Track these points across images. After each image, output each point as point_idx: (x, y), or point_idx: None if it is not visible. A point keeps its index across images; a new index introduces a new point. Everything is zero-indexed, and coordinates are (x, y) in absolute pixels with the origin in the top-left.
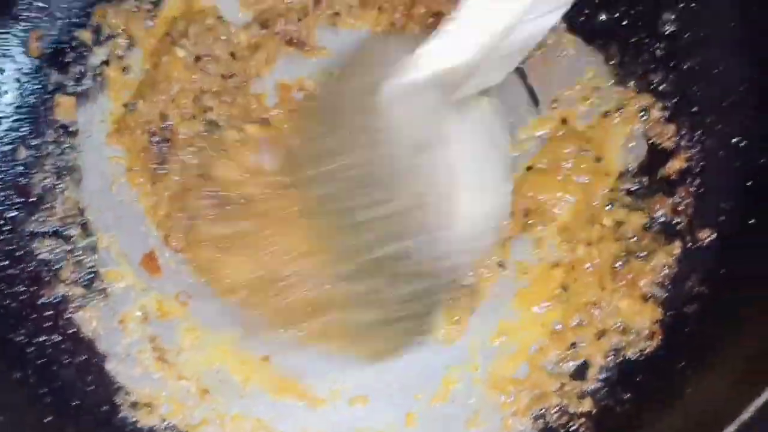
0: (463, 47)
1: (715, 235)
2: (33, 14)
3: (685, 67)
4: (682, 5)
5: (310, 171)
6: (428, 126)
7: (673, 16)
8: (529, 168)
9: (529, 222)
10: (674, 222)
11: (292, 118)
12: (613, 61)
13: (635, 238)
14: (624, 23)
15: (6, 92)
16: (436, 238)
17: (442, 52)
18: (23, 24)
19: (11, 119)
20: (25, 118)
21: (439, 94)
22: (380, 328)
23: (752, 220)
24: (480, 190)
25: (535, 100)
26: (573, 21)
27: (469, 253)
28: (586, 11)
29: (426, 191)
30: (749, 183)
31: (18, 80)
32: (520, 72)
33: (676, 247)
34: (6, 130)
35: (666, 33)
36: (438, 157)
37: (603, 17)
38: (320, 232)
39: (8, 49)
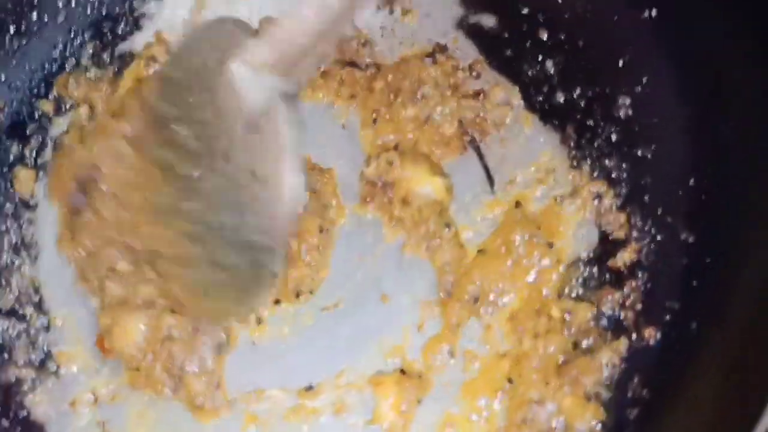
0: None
1: (659, 335)
2: None
3: (638, 154)
4: (638, 89)
5: (155, 135)
6: (263, 108)
7: (628, 101)
8: (480, 251)
9: (479, 308)
10: (621, 317)
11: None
12: (568, 143)
13: (582, 332)
14: (581, 104)
15: None
16: (262, 213)
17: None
18: None
19: None
20: None
21: (275, 82)
22: (216, 290)
23: (694, 324)
24: (298, 176)
25: (490, 181)
26: (531, 99)
27: (282, 234)
28: (545, 90)
29: (257, 169)
30: (694, 283)
31: None
32: (477, 151)
33: (622, 344)
34: None
35: (621, 117)
36: (269, 140)
37: (561, 98)
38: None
39: None
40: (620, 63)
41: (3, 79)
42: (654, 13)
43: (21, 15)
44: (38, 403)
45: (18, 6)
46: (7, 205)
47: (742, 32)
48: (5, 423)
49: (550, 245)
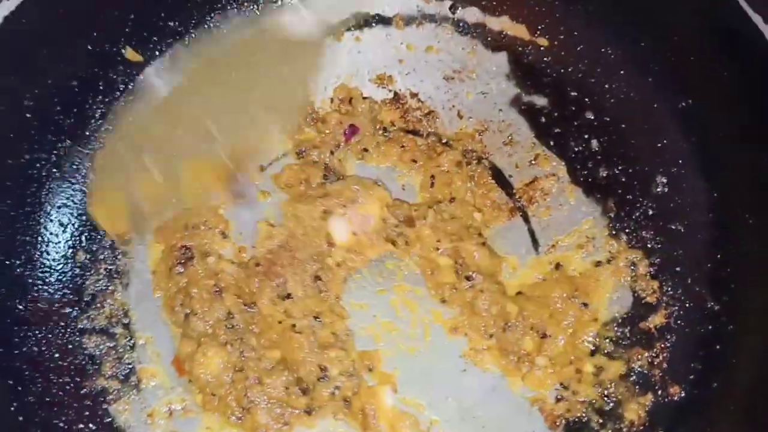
0: None
1: (684, 393)
2: (101, 134)
3: (672, 227)
4: (673, 169)
5: None
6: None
7: (665, 180)
8: (518, 293)
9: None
10: (649, 374)
11: None
12: (609, 214)
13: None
14: (622, 180)
15: (74, 202)
16: None
17: None
18: (92, 143)
19: (74, 225)
20: (86, 226)
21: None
22: None
23: (715, 384)
24: None
25: (535, 244)
26: (576, 173)
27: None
28: (589, 165)
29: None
30: (717, 347)
31: (83, 191)
32: (524, 216)
33: (648, 399)
34: (69, 236)
35: (658, 194)
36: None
37: (603, 173)
38: None
39: (78, 165)
40: (658, 144)
41: (111, 130)
42: (688, 102)
43: (130, 76)
44: (121, 412)
45: (127, 67)
46: (105, 238)
47: (760, 126)
48: (92, 426)
49: (586, 305)
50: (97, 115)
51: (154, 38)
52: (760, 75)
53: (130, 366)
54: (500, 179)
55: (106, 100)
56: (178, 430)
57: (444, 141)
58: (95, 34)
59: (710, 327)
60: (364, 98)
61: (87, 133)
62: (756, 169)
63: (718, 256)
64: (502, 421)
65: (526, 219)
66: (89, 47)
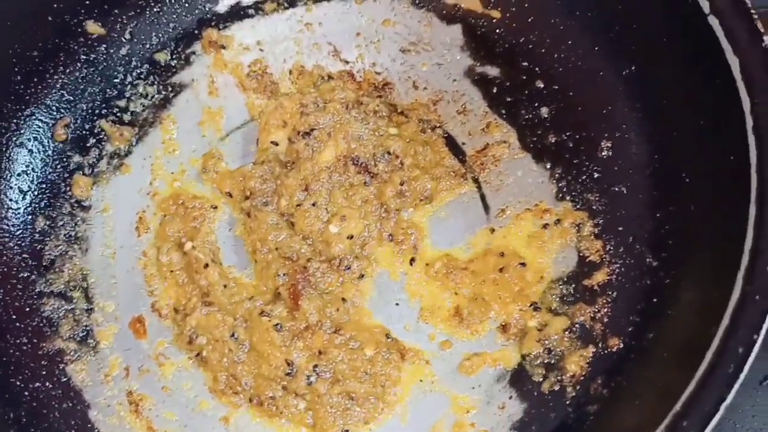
0: None
1: (622, 345)
2: (62, 105)
3: (615, 189)
4: (617, 134)
5: None
6: None
7: (610, 144)
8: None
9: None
10: (591, 328)
11: None
12: (556, 179)
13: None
14: (570, 145)
15: (33, 170)
16: None
17: None
18: (53, 113)
19: (34, 192)
20: (46, 193)
21: None
22: None
23: (651, 334)
24: None
25: (486, 209)
26: (526, 140)
27: None
28: (539, 132)
29: None
30: (655, 300)
31: (43, 160)
32: (476, 182)
33: (589, 352)
34: (28, 203)
35: (603, 158)
36: None
37: (552, 139)
38: None
39: (38, 134)
40: (604, 111)
41: (71, 100)
42: (632, 69)
43: (91, 47)
44: (78, 372)
45: (88, 39)
46: (65, 204)
47: (701, 89)
48: (49, 385)
49: (523, 264)
50: (58, 86)
51: (115, 11)
52: (702, 41)
53: (87, 328)
54: (453, 147)
55: (67, 71)
56: (134, 389)
57: (400, 111)
58: (56, 5)
59: (648, 282)
60: (323, 77)
61: (48, 102)
62: (694, 131)
63: (658, 215)
64: None
65: (478, 185)
66: (50, 18)
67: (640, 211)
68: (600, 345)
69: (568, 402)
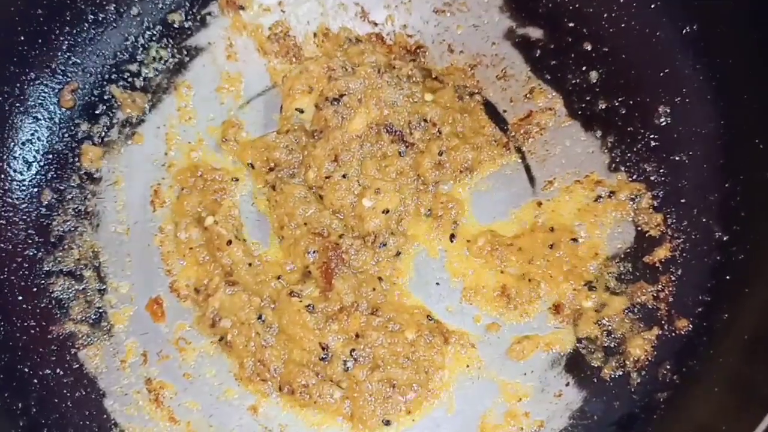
0: None
1: (692, 326)
2: (69, 68)
3: (676, 159)
4: (677, 99)
5: None
6: None
7: (668, 110)
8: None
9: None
10: (654, 308)
11: None
12: (608, 148)
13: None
14: (622, 112)
15: (39, 139)
16: None
17: None
18: (59, 77)
19: (40, 163)
20: (53, 164)
21: None
22: None
23: (726, 315)
24: None
25: (532, 181)
26: (573, 106)
27: None
28: (587, 97)
29: None
30: (727, 277)
31: (49, 128)
32: (520, 152)
33: (654, 334)
34: (34, 174)
35: (660, 125)
36: None
37: (602, 105)
38: None
39: (43, 100)
40: (660, 74)
41: (79, 63)
42: (693, 28)
43: (99, 6)
44: (91, 358)
45: None
46: (74, 176)
47: None
48: (60, 372)
49: (588, 242)
50: (64, 47)
51: None
52: None
53: (100, 310)
54: (494, 115)
55: (74, 31)
56: (153, 376)
57: (434, 77)
58: None
59: (719, 258)
60: (350, 40)
61: (53, 66)
62: (765, 93)
63: (726, 185)
64: None
65: (521, 156)
66: None
67: (705, 181)
68: (666, 327)
69: (633, 389)
